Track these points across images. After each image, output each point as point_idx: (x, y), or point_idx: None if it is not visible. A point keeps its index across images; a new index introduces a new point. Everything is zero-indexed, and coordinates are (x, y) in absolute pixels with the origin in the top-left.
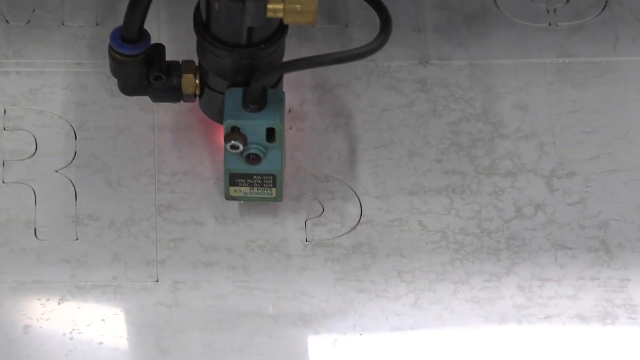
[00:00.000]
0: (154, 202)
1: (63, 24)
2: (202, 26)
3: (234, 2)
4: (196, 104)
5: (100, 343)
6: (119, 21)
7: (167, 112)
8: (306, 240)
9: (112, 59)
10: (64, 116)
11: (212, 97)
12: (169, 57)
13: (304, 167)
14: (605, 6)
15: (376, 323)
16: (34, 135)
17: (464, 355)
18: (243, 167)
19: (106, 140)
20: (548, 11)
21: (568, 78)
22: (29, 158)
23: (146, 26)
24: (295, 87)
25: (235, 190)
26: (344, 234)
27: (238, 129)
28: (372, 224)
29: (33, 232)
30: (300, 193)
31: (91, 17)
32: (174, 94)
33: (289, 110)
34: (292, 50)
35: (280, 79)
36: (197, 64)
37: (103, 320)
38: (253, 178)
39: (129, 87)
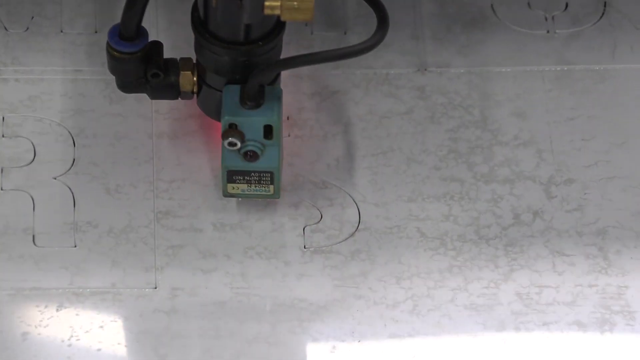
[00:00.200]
0: (152, 208)
1: (62, 32)
2: (200, 23)
3: None
4: (195, 110)
5: (99, 350)
6: None
7: (165, 119)
8: (304, 247)
9: (110, 56)
10: (63, 123)
11: (210, 95)
12: (166, 54)
13: (303, 174)
14: (603, 14)
15: (374, 330)
16: (32, 143)
17: None
18: (241, 164)
19: (105, 147)
20: (546, 19)
21: (566, 85)
22: (27, 165)
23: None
24: (294, 94)
25: (233, 187)
26: (342, 241)
27: (236, 126)
28: (370, 230)
29: (31, 239)
30: (298, 200)
31: (90, 25)
32: (171, 91)
33: (287, 117)
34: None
35: (277, 76)
36: (194, 61)
37: (101, 326)
38: (251, 175)
39: (126, 85)
